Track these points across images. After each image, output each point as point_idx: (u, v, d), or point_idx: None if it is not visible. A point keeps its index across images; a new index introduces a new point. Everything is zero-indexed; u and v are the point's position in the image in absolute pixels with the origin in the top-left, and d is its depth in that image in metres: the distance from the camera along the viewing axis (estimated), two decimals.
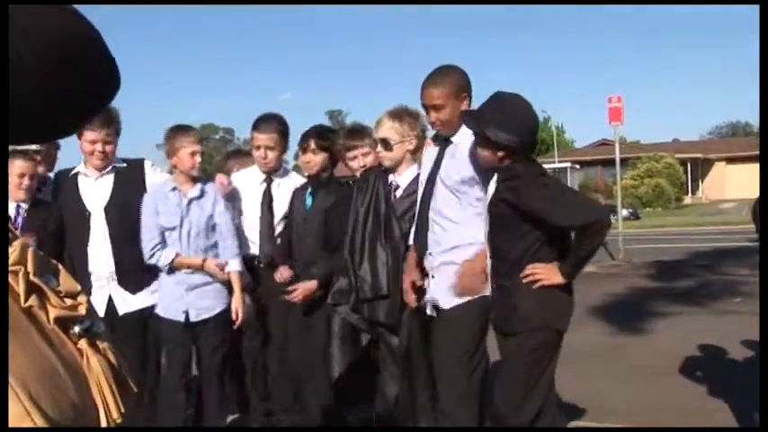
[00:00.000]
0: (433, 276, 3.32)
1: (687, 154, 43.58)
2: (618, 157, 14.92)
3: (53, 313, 0.70)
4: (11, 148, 4.98)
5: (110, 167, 4.19)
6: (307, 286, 3.98)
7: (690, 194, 42.78)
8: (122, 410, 0.71)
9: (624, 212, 24.94)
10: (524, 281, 2.96)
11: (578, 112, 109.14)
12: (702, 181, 45.73)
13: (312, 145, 4.12)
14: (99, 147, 4.07)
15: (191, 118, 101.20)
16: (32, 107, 0.71)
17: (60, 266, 0.77)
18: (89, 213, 4.12)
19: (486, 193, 3.16)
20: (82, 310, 0.74)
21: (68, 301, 0.73)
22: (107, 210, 4.10)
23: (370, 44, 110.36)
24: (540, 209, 2.93)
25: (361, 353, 3.75)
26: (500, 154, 3.02)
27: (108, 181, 4.20)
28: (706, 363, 5.78)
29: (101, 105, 0.82)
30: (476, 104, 3.32)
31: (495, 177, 3.08)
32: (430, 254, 3.34)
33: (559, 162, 36.94)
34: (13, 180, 4.01)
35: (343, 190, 4.04)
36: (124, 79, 0.79)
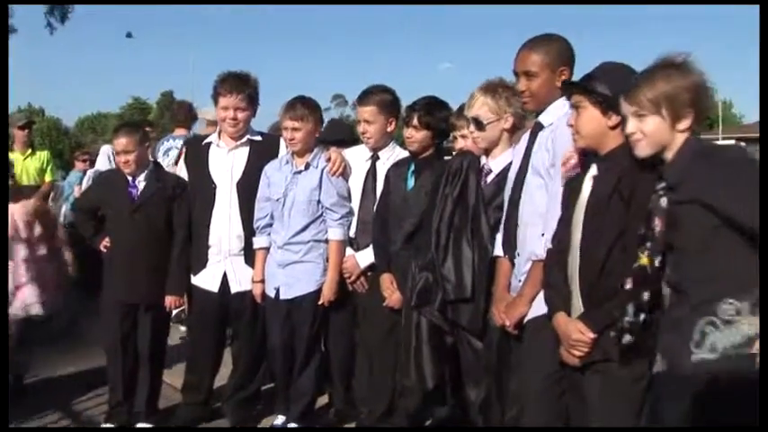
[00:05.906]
0: (519, 281, 2.89)
1: None
2: None
3: None
4: (118, 124, 5.07)
5: (244, 139, 4.12)
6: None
7: None
8: None
9: None
10: None
11: (751, 84, 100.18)
12: None
13: (414, 120, 3.76)
14: (230, 113, 4.02)
15: (356, 84, 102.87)
16: None
17: None
18: (215, 186, 4.07)
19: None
20: None
21: None
22: (239, 184, 4.05)
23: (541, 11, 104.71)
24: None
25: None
26: (615, 118, 2.45)
27: (242, 153, 4.13)
28: None
29: None
30: None
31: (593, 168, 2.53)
32: (518, 254, 2.92)
33: (723, 139, 34.25)
34: (116, 158, 4.19)
35: None
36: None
